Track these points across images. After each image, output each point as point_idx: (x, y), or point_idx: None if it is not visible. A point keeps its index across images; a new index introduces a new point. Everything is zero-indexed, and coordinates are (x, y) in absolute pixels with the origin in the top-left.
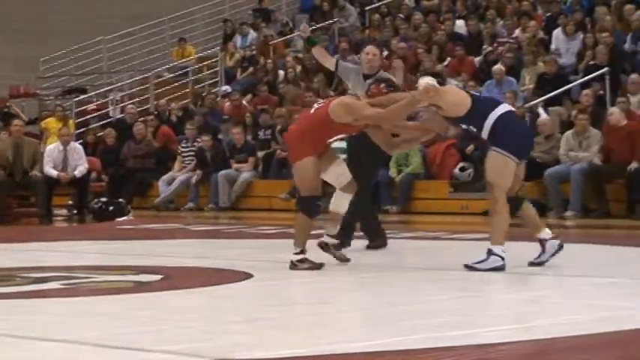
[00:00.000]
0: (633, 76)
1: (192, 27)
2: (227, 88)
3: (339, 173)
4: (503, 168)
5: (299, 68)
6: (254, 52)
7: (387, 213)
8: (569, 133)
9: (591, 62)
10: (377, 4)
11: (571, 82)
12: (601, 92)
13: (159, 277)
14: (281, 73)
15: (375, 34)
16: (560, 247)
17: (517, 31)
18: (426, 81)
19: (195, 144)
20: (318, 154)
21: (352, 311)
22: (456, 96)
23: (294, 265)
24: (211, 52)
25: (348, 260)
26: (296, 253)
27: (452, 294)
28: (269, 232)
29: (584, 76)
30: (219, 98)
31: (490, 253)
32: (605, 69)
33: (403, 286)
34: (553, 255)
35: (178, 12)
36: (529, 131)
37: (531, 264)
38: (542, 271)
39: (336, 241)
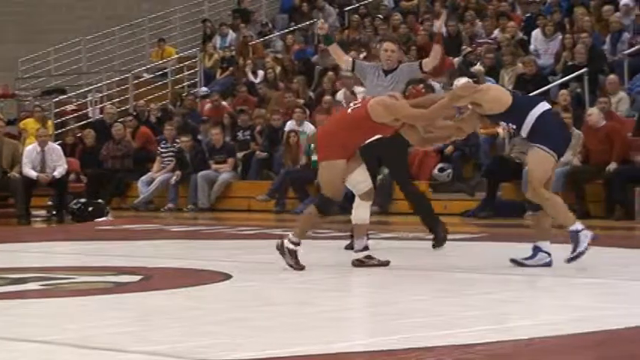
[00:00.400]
0: (611, 77)
1: (171, 27)
2: (204, 89)
3: (359, 180)
4: (544, 163)
5: (278, 69)
6: (233, 53)
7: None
8: None
9: (570, 63)
10: (356, 5)
11: (550, 83)
12: (578, 90)
13: (138, 277)
14: (260, 73)
15: (355, 35)
16: (549, 264)
17: (496, 32)
18: (462, 82)
19: (175, 145)
20: (348, 156)
21: (332, 312)
22: (497, 93)
23: (282, 252)
24: (191, 53)
25: (387, 263)
26: (293, 242)
27: (432, 294)
28: (248, 233)
29: (563, 77)
30: (197, 99)
31: (575, 233)
32: (584, 69)
33: (383, 286)
34: (535, 266)
35: (158, 12)
36: (566, 128)
37: (513, 261)
38: (521, 271)
39: (366, 253)
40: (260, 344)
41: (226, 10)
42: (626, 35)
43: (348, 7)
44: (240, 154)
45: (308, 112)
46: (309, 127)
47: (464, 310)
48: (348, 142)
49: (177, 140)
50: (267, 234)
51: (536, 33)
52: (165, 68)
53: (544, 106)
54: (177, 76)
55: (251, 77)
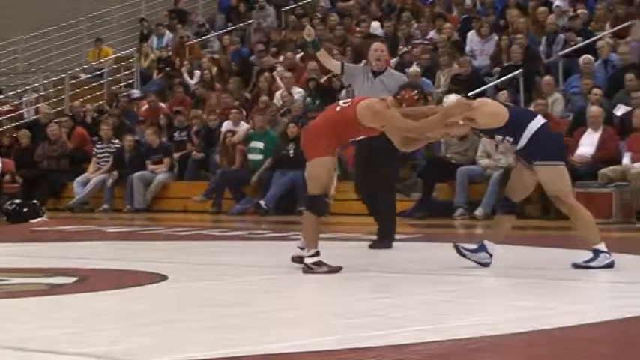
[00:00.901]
0: (547, 78)
1: (108, 27)
2: (137, 92)
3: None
4: (559, 176)
5: (215, 69)
6: (170, 53)
7: (303, 214)
8: None
9: (506, 63)
10: (293, 5)
11: (486, 84)
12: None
13: (74, 279)
14: (197, 73)
15: (292, 36)
16: (487, 265)
17: (432, 33)
18: (451, 99)
19: (111, 145)
20: (333, 153)
21: (270, 312)
22: (493, 109)
23: (309, 269)
24: (128, 53)
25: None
26: (310, 256)
27: (371, 294)
28: (184, 234)
29: (498, 78)
30: (132, 101)
31: (596, 252)
32: (519, 71)
33: (322, 287)
34: (476, 262)
35: (95, 12)
36: (561, 138)
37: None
38: (460, 271)
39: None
40: (197, 345)
41: (163, 10)
42: (561, 37)
43: (286, 8)
44: (176, 155)
45: (245, 112)
46: (244, 128)
47: (401, 310)
48: (337, 139)
49: (113, 141)
50: (203, 235)
51: (472, 34)
52: (102, 68)
53: (540, 119)
54: (114, 77)
55: (187, 78)
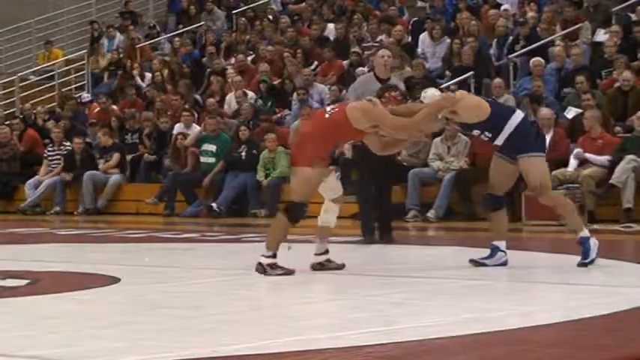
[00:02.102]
0: (497, 80)
1: (59, 29)
2: (87, 95)
3: (331, 186)
4: (542, 167)
5: (166, 72)
6: (121, 56)
7: (256, 217)
8: (438, 139)
9: (457, 64)
10: (244, 8)
11: (438, 86)
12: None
13: (25, 281)
14: (148, 76)
15: (243, 38)
16: (505, 263)
17: (383, 36)
18: (431, 92)
19: (62, 147)
20: (323, 161)
21: (221, 315)
22: (475, 102)
23: (263, 270)
24: (78, 55)
25: (343, 266)
26: (267, 257)
27: (320, 297)
28: (137, 236)
29: (450, 80)
30: (82, 104)
31: (584, 241)
32: (470, 73)
33: (272, 288)
34: (494, 265)
35: (45, 14)
36: (540, 130)
37: (472, 261)
38: (412, 273)
39: (324, 258)
40: (149, 347)
41: (114, 12)
42: (511, 39)
43: (236, 10)
44: (128, 157)
45: (196, 115)
46: (196, 130)
47: (352, 312)
48: (325, 146)
49: (65, 143)
50: (156, 237)
51: (424, 36)
52: (52, 71)
53: (519, 114)
54: (65, 79)
55: (138, 80)
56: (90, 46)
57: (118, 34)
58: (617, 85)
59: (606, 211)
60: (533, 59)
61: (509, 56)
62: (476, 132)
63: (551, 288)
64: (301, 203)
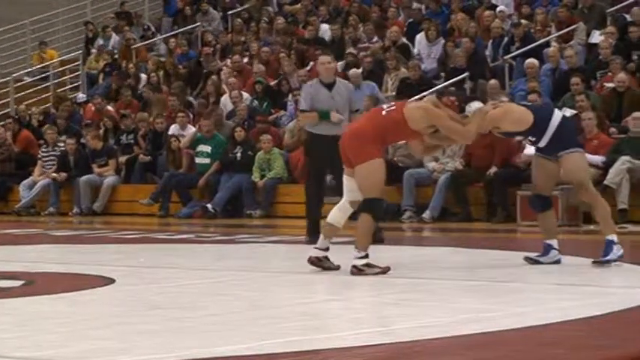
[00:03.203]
0: (492, 82)
1: (53, 30)
2: (82, 96)
3: (353, 188)
4: (583, 163)
5: (161, 72)
6: (116, 56)
7: (251, 217)
8: None
9: (452, 65)
10: (239, 9)
11: (434, 87)
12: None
13: (20, 282)
14: (143, 77)
15: (238, 39)
16: (559, 261)
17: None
18: (475, 106)
19: (56, 149)
20: (382, 154)
21: (215, 315)
22: (518, 115)
23: (359, 271)
24: (73, 56)
25: (338, 267)
26: (360, 258)
27: (316, 297)
28: (131, 237)
29: (445, 81)
30: (77, 105)
31: (608, 243)
32: (466, 74)
33: (267, 289)
34: (549, 263)
35: (40, 15)
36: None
37: (527, 259)
38: (407, 274)
39: (323, 254)
40: (145, 348)
41: (109, 13)
42: (507, 40)
43: (232, 11)
44: (123, 158)
45: (192, 116)
46: (191, 131)
47: (348, 312)
48: (379, 144)
49: (59, 144)
50: (151, 238)
51: (420, 38)
52: (47, 71)
53: (559, 113)
54: (60, 80)
55: (142, 77)
56: (85, 47)
57: (114, 34)
58: (611, 85)
59: None
60: (527, 61)
61: (505, 57)
62: (519, 137)
63: (545, 288)
64: (378, 198)
